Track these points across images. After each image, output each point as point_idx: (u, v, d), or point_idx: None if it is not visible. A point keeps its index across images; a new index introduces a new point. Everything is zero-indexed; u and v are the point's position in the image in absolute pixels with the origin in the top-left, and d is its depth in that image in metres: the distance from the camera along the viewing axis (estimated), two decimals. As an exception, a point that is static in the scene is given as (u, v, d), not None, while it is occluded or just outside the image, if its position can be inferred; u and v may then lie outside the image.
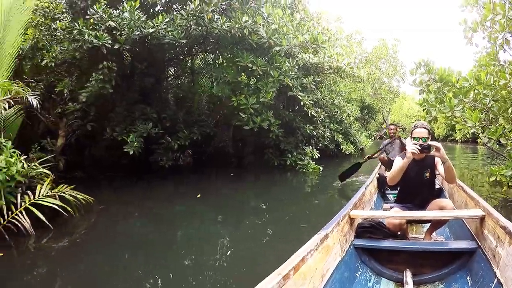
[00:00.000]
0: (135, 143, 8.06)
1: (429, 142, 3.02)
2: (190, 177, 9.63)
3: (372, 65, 25.30)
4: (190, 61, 12.29)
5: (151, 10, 10.41)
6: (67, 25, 9.55)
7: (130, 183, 8.61)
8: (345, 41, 23.72)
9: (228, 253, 4.16)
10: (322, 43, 10.58)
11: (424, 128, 3.17)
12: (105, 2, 8.73)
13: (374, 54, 27.03)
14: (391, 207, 3.41)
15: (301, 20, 11.37)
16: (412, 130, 3.24)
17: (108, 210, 6.20)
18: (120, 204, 6.69)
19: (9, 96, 6.43)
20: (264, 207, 6.65)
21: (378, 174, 5.75)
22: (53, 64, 9.20)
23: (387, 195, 5.40)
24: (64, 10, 10.01)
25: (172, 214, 6.21)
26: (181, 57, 11.54)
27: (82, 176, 8.81)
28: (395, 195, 4.73)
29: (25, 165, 5.66)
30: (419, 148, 2.98)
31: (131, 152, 8.02)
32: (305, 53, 11.31)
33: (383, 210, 4.00)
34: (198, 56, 12.41)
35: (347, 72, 12.33)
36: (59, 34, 10.34)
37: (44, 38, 10.00)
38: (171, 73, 12.51)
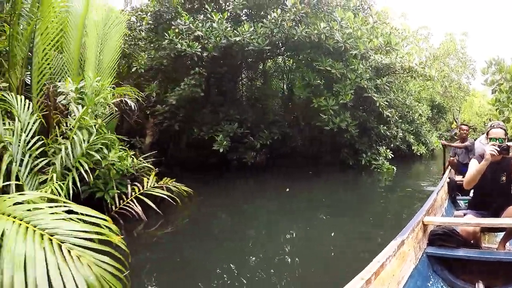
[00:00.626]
0: (224, 142, 8.82)
1: (508, 143, 2.86)
2: (265, 176, 10.18)
3: (441, 62, 24.25)
4: (262, 64, 12.92)
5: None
6: (153, 35, 10.63)
7: (213, 178, 9.28)
8: (412, 38, 23.03)
9: (305, 251, 4.37)
10: (395, 45, 10.65)
11: (501, 128, 2.98)
12: (186, 13, 9.61)
13: (442, 50, 25.83)
14: (464, 214, 3.26)
15: (374, 23, 11.50)
16: (488, 131, 3.05)
17: (204, 201, 6.83)
18: (211, 197, 7.34)
19: (117, 99, 7.40)
20: (339, 206, 6.93)
21: (449, 178, 5.47)
22: (142, 71, 10.25)
23: (458, 201, 5.18)
24: (150, 22, 11.04)
25: (257, 209, 6.73)
26: (255, 61, 12.20)
27: (165, 171, 9.74)
28: (466, 201, 4.68)
29: (135, 160, 6.54)
30: (498, 149, 2.79)
31: (221, 150, 8.81)
32: (376, 54, 11.43)
33: (454, 217, 3.75)
34: (269, 60, 13.01)
35: (418, 72, 12.22)
36: (142, 43, 11.52)
37: (130, 47, 11.16)
38: (244, 76, 13.25)
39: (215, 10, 10.15)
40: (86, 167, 4.91)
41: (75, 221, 2.45)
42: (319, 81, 9.54)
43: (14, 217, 2.20)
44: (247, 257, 4.20)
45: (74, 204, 2.62)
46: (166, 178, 6.26)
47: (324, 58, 9.45)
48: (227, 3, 10.94)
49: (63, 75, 6.81)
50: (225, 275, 3.66)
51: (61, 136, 5.30)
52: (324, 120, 9.16)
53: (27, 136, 4.43)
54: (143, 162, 6.66)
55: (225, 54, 9.97)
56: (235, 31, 9.06)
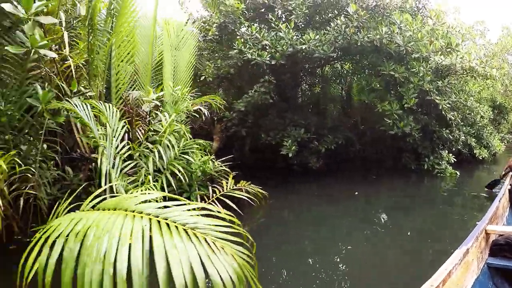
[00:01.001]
0: (293, 147, 9.28)
1: None
2: (327, 180, 10.21)
3: (499, 58, 23.05)
4: (320, 69, 13.24)
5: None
6: (216, 45, 11.17)
7: (281, 183, 9.64)
8: (468, 35, 22.10)
9: (369, 256, 4.57)
10: (456, 46, 10.52)
11: None
12: (247, 23, 10.16)
13: (499, 46, 24.53)
14: None
15: (433, 25, 11.40)
16: None
17: (275, 204, 7.23)
18: (280, 200, 7.70)
19: (197, 107, 8.05)
20: (403, 211, 7.05)
21: (510, 185, 5.34)
22: (210, 79, 10.93)
23: None
24: (216, 33, 11.67)
25: (322, 212, 7.01)
26: (314, 67, 12.53)
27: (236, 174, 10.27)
28: None
29: (215, 163, 7.13)
30: None
31: (290, 155, 9.30)
32: (436, 55, 11.31)
33: None
34: (327, 65, 13.29)
35: (479, 71, 11.88)
36: (205, 53, 12.21)
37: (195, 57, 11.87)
38: (303, 81, 13.64)
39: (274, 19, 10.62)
40: (181, 169, 5.57)
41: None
42: (381, 85, 9.72)
43: (148, 214, 2.30)
44: (316, 259, 4.56)
45: (194, 202, 2.93)
46: (242, 181, 6.75)
47: (387, 62, 9.63)
48: (284, 11, 11.35)
49: (136, 84, 7.46)
50: (299, 276, 4.01)
51: (145, 140, 5.94)
52: (389, 125, 9.35)
53: (116, 140, 4.99)
54: (221, 166, 7.29)
55: (289, 62, 10.43)
56: (300, 39, 9.46)
